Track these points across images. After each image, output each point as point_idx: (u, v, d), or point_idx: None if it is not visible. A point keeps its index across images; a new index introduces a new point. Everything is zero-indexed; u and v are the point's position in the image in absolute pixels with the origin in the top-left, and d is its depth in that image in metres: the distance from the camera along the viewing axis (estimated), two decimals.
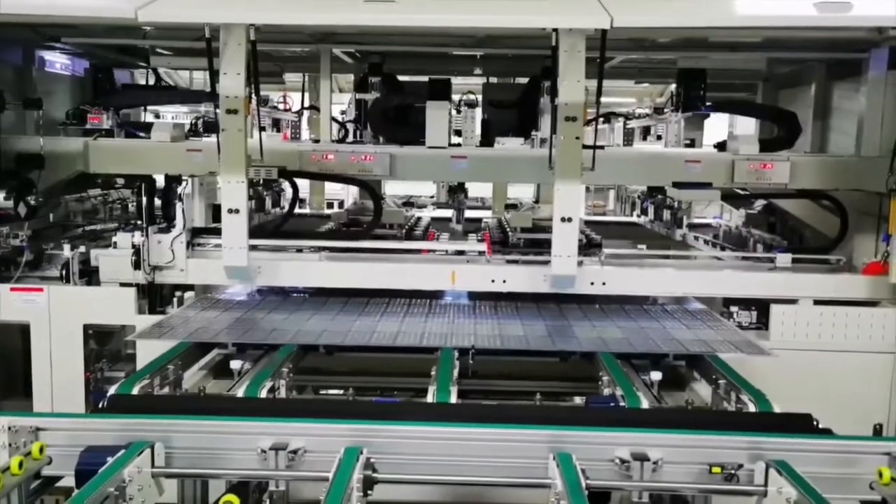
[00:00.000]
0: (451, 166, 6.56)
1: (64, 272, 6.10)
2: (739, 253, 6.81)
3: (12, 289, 6.00)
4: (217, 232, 5.96)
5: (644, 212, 9.02)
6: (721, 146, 6.84)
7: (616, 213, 12.18)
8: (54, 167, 6.62)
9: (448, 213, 8.15)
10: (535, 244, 6.64)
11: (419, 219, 8.33)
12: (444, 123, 6.59)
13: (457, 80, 7.94)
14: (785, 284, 6.03)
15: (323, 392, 5.34)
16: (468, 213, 8.17)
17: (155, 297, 6.14)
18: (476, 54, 8.02)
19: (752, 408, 3.94)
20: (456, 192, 7.74)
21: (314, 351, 5.00)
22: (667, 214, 8.10)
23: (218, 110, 5.46)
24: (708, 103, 7.49)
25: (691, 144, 8.03)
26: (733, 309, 6.17)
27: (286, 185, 7.96)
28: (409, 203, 9.55)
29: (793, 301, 5.95)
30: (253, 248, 5.87)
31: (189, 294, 6.28)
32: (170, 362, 4.51)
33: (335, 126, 8.23)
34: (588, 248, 6.49)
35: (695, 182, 6.43)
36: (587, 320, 5.70)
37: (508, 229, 7.27)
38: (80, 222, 7.46)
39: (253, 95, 5.54)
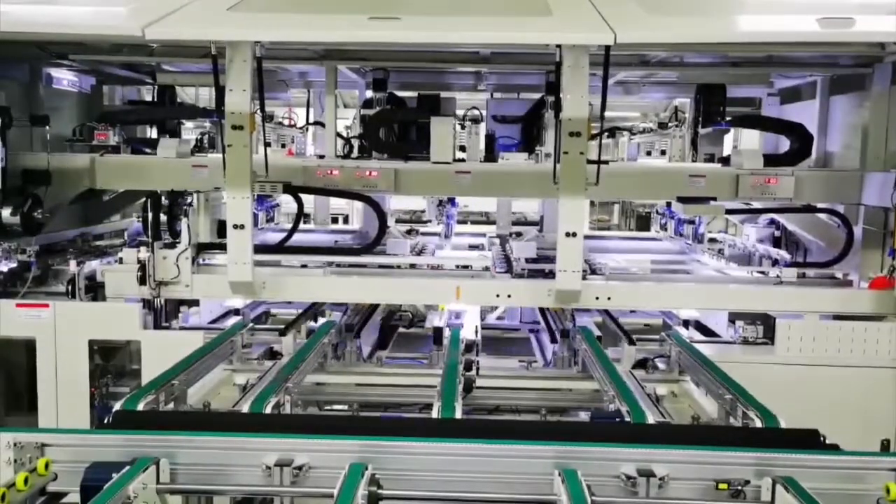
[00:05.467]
0: (455, 181, 6.58)
1: (70, 288, 6.11)
2: (745, 268, 6.79)
3: (18, 304, 6.01)
4: (222, 247, 5.97)
5: (663, 227, 8.99)
6: (725, 161, 6.85)
7: (620, 228, 12.17)
8: (61, 183, 6.65)
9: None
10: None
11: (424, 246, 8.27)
12: (449, 139, 6.61)
13: (461, 96, 7.97)
14: (791, 299, 6.01)
15: (328, 407, 5.33)
16: (471, 229, 8.16)
17: (160, 312, 6.15)
18: (480, 70, 8.06)
19: (758, 423, 3.92)
20: (443, 205, 7.71)
21: None
22: (688, 230, 8.06)
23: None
24: (728, 118, 7.46)
25: (711, 159, 7.99)
26: (739, 323, 6.15)
27: (281, 200, 7.93)
28: (412, 231, 9.49)
29: (799, 316, 5.94)
30: (258, 263, 5.88)
31: (194, 309, 6.28)
32: (175, 378, 4.50)
33: (340, 141, 8.25)
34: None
35: (699, 196, 6.44)
36: None
37: (513, 259, 7.17)
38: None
39: (258, 111, 5.57)
